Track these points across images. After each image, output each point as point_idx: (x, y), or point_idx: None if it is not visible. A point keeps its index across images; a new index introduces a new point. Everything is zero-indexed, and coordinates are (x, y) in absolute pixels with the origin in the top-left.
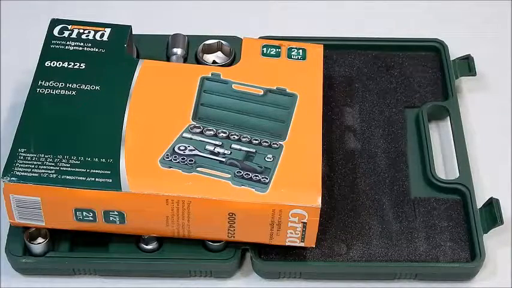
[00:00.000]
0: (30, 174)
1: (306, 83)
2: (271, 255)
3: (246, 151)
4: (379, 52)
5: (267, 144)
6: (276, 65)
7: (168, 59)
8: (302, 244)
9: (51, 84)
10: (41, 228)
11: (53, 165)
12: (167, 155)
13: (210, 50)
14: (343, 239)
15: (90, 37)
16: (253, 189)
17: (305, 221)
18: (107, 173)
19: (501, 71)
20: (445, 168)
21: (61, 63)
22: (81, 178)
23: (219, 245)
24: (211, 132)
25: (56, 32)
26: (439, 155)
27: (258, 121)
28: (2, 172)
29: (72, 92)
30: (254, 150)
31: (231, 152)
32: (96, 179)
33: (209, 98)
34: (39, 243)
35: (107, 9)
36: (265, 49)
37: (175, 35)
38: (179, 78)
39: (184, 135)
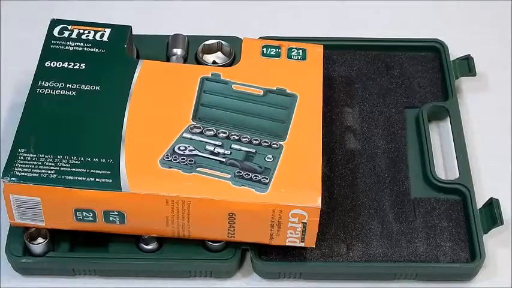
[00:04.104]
0: (30, 175)
1: (306, 83)
2: (271, 256)
3: (246, 151)
4: (379, 52)
5: (267, 144)
6: (276, 65)
7: (168, 59)
8: (302, 244)
9: (51, 84)
10: (41, 229)
11: (53, 166)
12: (167, 155)
13: (210, 50)
14: (343, 239)
15: (90, 37)
16: (253, 190)
17: (305, 221)
18: (107, 173)
19: (501, 71)
20: (445, 168)
21: (61, 63)
22: (81, 178)
23: (219, 245)
24: (211, 133)
25: (56, 32)
26: (439, 155)
27: (258, 121)
28: (2, 172)
29: (72, 92)
30: (254, 151)
31: (231, 152)
32: (96, 179)
33: (209, 98)
34: (39, 243)
35: (107, 9)
36: (265, 49)
37: (175, 35)
38: (179, 78)
39: (184, 135)
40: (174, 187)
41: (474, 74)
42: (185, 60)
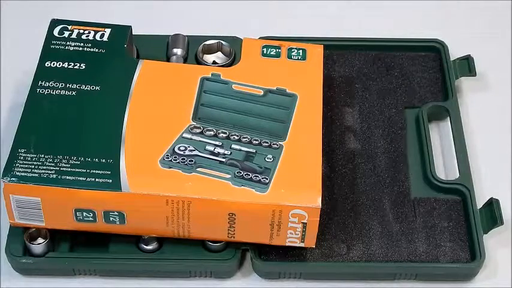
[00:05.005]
0: (30, 175)
1: (306, 83)
2: (271, 256)
3: (246, 151)
4: (379, 52)
5: (267, 144)
6: (276, 66)
7: (168, 59)
8: (302, 244)
9: (51, 84)
10: (41, 229)
11: (53, 166)
12: (167, 155)
13: (210, 50)
14: (343, 239)
15: (90, 37)
16: (253, 190)
17: (305, 221)
18: (107, 173)
19: (501, 71)
20: (445, 168)
21: (61, 63)
22: (81, 178)
23: (219, 245)
24: (211, 133)
25: (56, 32)
26: (439, 155)
27: (258, 121)
28: (2, 172)
29: (72, 92)
30: (254, 151)
31: (231, 153)
32: (96, 179)
33: (209, 98)
34: (39, 243)
35: (107, 9)
36: (265, 49)
37: (175, 35)
38: (179, 78)
39: (184, 135)
40: (174, 187)
41: (474, 74)
42: (185, 60)
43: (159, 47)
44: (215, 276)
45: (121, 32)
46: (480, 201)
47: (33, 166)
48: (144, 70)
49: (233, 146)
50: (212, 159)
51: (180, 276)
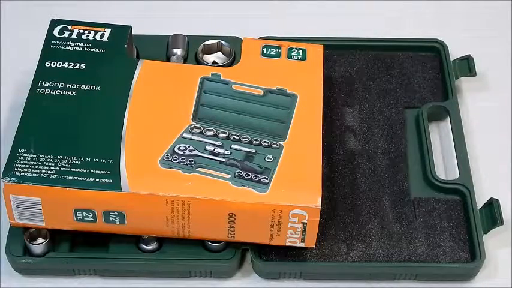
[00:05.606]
0: (30, 175)
1: (306, 83)
2: (271, 256)
3: (246, 151)
4: (379, 52)
5: (267, 144)
6: (276, 66)
7: (168, 59)
8: (302, 244)
9: (51, 84)
10: (41, 229)
11: (53, 166)
12: (167, 155)
13: (210, 50)
14: (343, 239)
15: (90, 37)
16: (253, 190)
17: (305, 221)
18: (107, 173)
19: (501, 71)
20: (445, 168)
21: (61, 63)
22: (81, 178)
23: (219, 245)
24: (211, 133)
25: (56, 32)
26: (439, 155)
27: (258, 121)
28: (2, 172)
29: (72, 92)
30: (254, 151)
31: (231, 153)
32: (96, 180)
33: (209, 99)
34: (39, 243)
35: (107, 9)
36: (265, 49)
37: (175, 35)
38: (179, 78)
39: (184, 135)
40: (174, 187)
41: (474, 74)
42: (185, 61)
43: (159, 47)
44: (215, 276)
45: (121, 32)
46: (480, 201)
47: (33, 166)
48: (144, 70)
49: (233, 146)
50: (212, 159)
51: (180, 276)
